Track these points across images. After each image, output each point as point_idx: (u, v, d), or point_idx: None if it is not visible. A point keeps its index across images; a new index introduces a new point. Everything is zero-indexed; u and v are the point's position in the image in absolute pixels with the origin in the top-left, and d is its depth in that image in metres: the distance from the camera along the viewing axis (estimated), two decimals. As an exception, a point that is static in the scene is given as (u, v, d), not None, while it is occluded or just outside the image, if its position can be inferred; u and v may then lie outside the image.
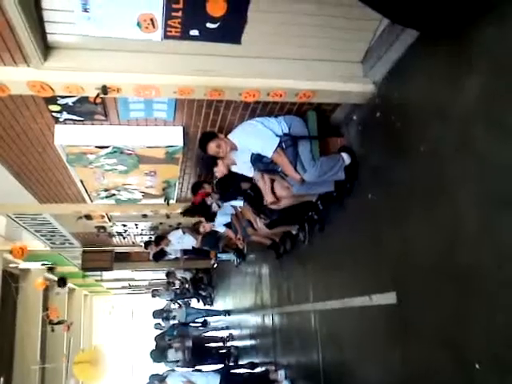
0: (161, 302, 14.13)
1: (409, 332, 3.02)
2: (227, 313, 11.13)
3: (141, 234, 8.94)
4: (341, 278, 4.16)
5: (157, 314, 11.71)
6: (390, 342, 3.29)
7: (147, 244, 8.58)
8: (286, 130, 3.78)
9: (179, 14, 2.91)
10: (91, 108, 3.69)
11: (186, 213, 6.08)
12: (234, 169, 4.33)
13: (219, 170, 4.26)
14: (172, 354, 8.11)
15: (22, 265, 10.14)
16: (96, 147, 4.20)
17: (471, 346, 2.44)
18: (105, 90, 3.19)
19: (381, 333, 3.42)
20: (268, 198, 4.23)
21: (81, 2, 2.76)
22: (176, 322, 11.00)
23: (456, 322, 2.56)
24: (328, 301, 4.45)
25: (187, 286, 14.40)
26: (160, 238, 8.28)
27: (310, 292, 4.96)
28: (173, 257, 9.16)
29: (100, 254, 9.66)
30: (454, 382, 2.59)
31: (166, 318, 11.33)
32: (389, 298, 3.22)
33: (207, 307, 13.80)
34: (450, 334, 2.61)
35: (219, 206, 5.54)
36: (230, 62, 3.29)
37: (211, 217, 5.87)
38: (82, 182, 5.15)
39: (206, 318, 12.26)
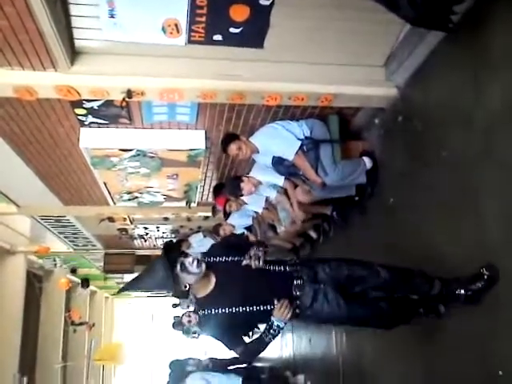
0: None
1: (433, 338, 2.99)
2: None
3: (162, 237, 9.00)
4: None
5: (177, 325, 10.65)
6: (413, 349, 3.25)
7: (168, 247, 8.60)
8: (308, 134, 3.79)
9: (203, 19, 2.96)
10: (116, 111, 3.76)
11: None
12: (259, 191, 4.41)
13: (246, 189, 4.31)
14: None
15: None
16: (120, 150, 4.26)
17: (495, 352, 2.41)
18: (129, 93, 3.27)
19: (404, 343, 3.38)
20: (299, 216, 4.31)
21: (107, 9, 2.83)
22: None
23: (481, 330, 2.52)
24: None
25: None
26: (181, 240, 8.31)
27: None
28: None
29: (122, 257, 9.72)
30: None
31: (187, 332, 10.43)
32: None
33: None
34: (473, 341, 2.57)
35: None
36: (252, 66, 3.32)
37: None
38: (105, 184, 5.22)
39: None
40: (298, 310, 2.48)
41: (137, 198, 5.81)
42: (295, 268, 2.59)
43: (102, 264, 9.89)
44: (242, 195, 4.51)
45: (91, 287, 13.54)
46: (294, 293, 2.49)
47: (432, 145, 3.02)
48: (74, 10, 2.82)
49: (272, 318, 2.41)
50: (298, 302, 2.49)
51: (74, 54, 3.10)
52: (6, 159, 4.53)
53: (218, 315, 2.41)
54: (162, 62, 3.23)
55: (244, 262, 2.50)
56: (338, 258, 2.74)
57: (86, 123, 3.95)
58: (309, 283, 2.53)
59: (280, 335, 2.50)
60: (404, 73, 3.35)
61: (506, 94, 2.34)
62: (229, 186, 4.64)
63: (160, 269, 2.37)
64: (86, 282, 12.05)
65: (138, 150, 4.30)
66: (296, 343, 6.69)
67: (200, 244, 8.22)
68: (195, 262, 2.39)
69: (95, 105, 3.64)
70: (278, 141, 3.79)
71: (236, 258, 2.55)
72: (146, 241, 9.16)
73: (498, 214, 2.42)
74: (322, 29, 3.16)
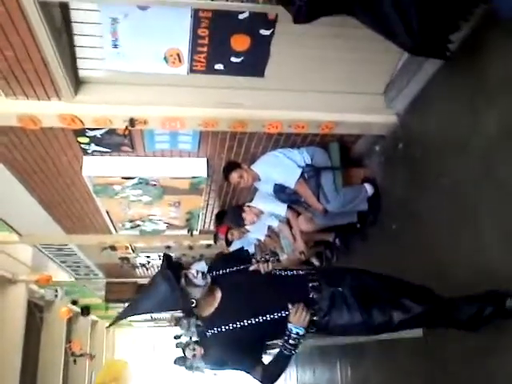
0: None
1: (434, 365, 2.94)
2: None
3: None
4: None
5: (179, 361, 10.26)
6: (414, 375, 3.19)
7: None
8: (309, 161, 3.81)
9: (205, 49, 3.02)
10: (118, 140, 3.79)
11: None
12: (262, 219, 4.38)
13: (248, 218, 4.31)
14: None
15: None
16: (122, 178, 4.28)
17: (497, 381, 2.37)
18: (132, 122, 3.30)
19: (406, 366, 3.33)
20: (299, 247, 4.25)
21: (111, 39, 2.89)
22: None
23: (482, 355, 2.47)
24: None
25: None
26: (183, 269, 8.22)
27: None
28: None
29: (123, 286, 9.65)
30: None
31: (190, 368, 10.21)
32: (415, 332, 3.14)
33: None
34: (476, 369, 2.53)
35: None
36: (253, 95, 3.37)
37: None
38: (107, 212, 5.22)
39: None
40: (315, 317, 2.19)
41: (139, 226, 5.81)
42: (310, 272, 2.36)
43: (103, 293, 9.82)
44: (244, 225, 4.50)
45: (92, 317, 13.40)
46: (311, 295, 2.22)
47: (432, 171, 3.03)
48: (78, 40, 2.89)
49: (289, 326, 2.11)
50: (315, 307, 2.20)
51: (77, 83, 3.15)
52: (10, 188, 4.54)
53: (227, 332, 2.11)
54: (165, 91, 3.28)
55: (252, 268, 2.28)
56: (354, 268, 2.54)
57: (88, 152, 3.98)
58: (326, 285, 2.27)
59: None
60: (403, 100, 3.39)
61: (503, 119, 2.36)
62: (230, 216, 4.63)
63: (162, 282, 2.04)
64: (86, 310, 11.95)
65: (140, 178, 4.31)
66: (300, 375, 6.56)
67: (202, 272, 8.14)
68: (199, 274, 2.12)
69: (98, 133, 3.68)
70: (280, 169, 3.81)
71: (241, 267, 2.33)
72: (147, 269, 9.09)
73: (499, 237, 2.40)
74: (323, 57, 3.21)
